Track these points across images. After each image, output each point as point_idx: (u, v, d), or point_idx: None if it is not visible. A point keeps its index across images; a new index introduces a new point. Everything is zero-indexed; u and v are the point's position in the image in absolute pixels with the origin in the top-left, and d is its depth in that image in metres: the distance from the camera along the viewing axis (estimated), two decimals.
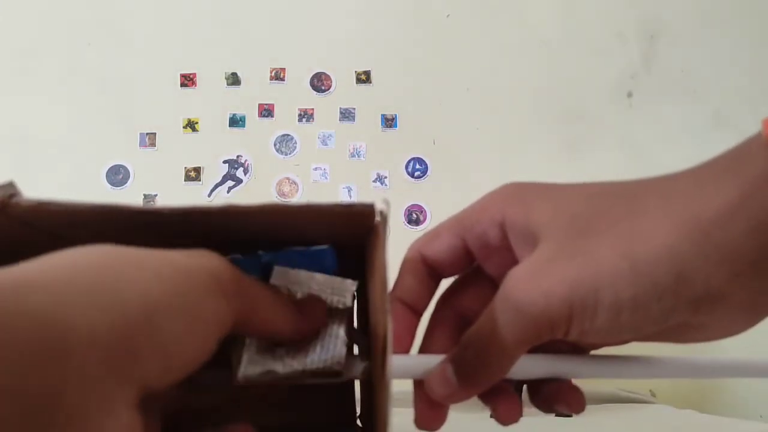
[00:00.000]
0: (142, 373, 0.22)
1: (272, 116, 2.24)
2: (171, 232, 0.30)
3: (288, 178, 2.23)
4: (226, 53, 2.25)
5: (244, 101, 2.23)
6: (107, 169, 2.23)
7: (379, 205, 0.29)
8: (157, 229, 0.29)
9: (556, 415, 1.94)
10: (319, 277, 0.32)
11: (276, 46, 2.25)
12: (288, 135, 2.23)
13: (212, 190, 2.24)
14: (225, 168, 2.23)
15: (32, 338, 0.20)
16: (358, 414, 0.42)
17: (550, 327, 0.28)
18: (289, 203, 0.28)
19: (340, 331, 0.32)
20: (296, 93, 2.23)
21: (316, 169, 2.22)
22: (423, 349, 0.35)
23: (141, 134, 2.24)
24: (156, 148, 2.24)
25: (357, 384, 0.38)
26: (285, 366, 0.30)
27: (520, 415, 0.32)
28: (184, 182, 2.23)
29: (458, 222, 0.34)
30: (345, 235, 0.32)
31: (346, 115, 2.23)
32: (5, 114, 2.21)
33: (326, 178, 2.22)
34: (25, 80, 2.22)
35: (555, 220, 0.29)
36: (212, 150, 2.22)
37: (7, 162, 2.19)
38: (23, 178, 2.09)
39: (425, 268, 0.34)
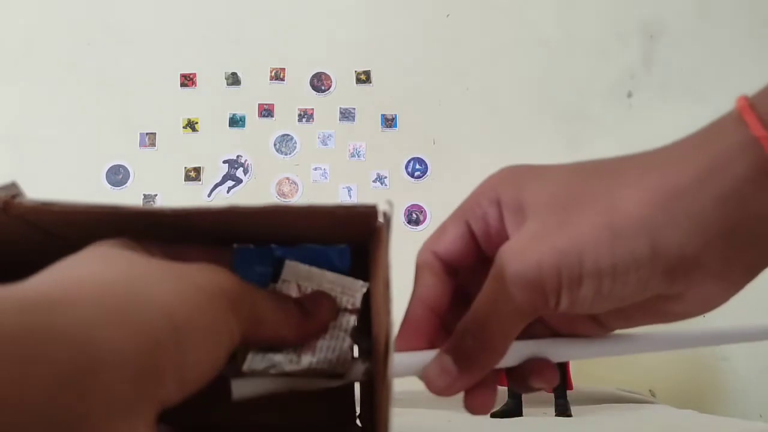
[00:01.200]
0: (163, 393, 0.22)
1: (272, 116, 2.24)
2: (172, 234, 0.30)
3: (288, 178, 2.23)
4: (226, 53, 2.25)
5: (244, 101, 2.23)
6: (107, 169, 2.24)
7: (381, 206, 0.29)
8: (158, 230, 0.29)
9: (556, 415, 1.94)
10: (330, 275, 0.32)
11: (276, 47, 2.25)
12: (288, 135, 2.24)
13: (212, 190, 2.24)
14: (225, 168, 2.23)
15: (61, 358, 0.19)
16: (357, 414, 0.42)
17: (543, 297, 0.28)
18: (291, 204, 0.28)
19: (347, 333, 0.32)
20: (296, 93, 2.24)
21: (316, 169, 2.22)
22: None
23: (141, 134, 2.24)
24: (156, 148, 2.24)
25: (356, 384, 0.38)
26: (291, 363, 0.30)
27: (493, 405, 0.32)
28: (184, 182, 2.24)
29: (461, 210, 0.34)
30: (347, 236, 0.32)
31: (346, 115, 2.23)
32: (5, 114, 2.21)
33: (326, 178, 2.22)
34: (25, 80, 2.22)
35: (542, 196, 0.30)
36: (212, 150, 2.23)
37: (6, 162, 2.19)
38: (23, 177, 2.08)
39: (440, 265, 0.34)
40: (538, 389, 0.32)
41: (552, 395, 1.94)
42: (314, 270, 0.32)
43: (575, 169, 0.31)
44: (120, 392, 0.21)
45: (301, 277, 0.32)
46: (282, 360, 0.30)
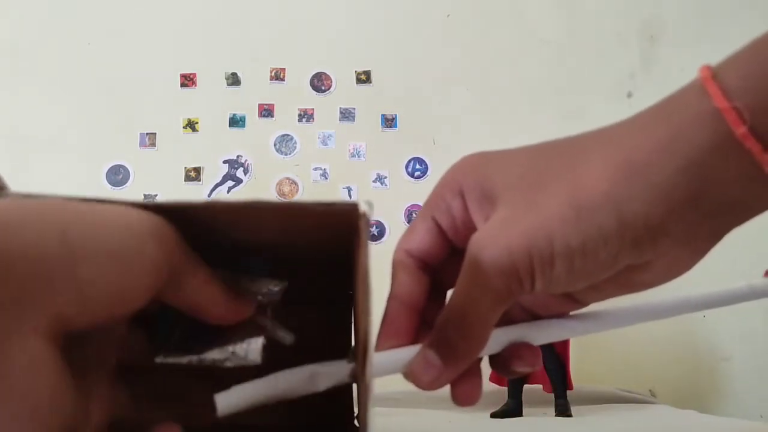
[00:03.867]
0: (56, 304, 0.23)
1: (272, 116, 2.24)
2: None
3: (288, 178, 2.23)
4: (226, 53, 2.25)
5: (244, 101, 2.23)
6: (107, 169, 2.23)
7: (362, 206, 0.28)
8: None
9: (556, 415, 1.94)
10: (253, 278, 0.33)
11: (276, 46, 2.25)
12: (288, 135, 2.23)
13: (212, 190, 2.24)
14: (225, 168, 2.23)
15: None
16: (356, 414, 0.42)
17: (518, 281, 0.29)
18: (271, 201, 0.28)
19: (263, 323, 0.32)
20: (296, 93, 2.24)
21: (316, 169, 2.22)
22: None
23: (141, 134, 2.24)
24: (156, 148, 2.24)
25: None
26: (205, 353, 0.31)
27: (479, 396, 0.32)
28: (184, 182, 2.24)
29: (426, 206, 0.35)
30: (331, 235, 0.32)
31: (346, 115, 2.23)
32: (4, 113, 2.21)
33: (326, 178, 2.22)
34: (25, 80, 2.22)
35: (506, 181, 0.30)
36: (212, 150, 2.22)
37: (6, 161, 2.19)
38: (22, 177, 2.09)
39: (414, 263, 0.34)
40: (522, 374, 0.32)
41: (552, 395, 1.94)
42: (237, 275, 0.33)
43: (537, 150, 0.32)
44: (4, 297, 0.21)
45: (227, 281, 0.32)
46: (199, 347, 0.31)
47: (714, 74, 0.28)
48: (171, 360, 0.31)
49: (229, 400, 0.30)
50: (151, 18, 2.26)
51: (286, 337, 0.33)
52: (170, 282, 0.28)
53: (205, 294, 0.30)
